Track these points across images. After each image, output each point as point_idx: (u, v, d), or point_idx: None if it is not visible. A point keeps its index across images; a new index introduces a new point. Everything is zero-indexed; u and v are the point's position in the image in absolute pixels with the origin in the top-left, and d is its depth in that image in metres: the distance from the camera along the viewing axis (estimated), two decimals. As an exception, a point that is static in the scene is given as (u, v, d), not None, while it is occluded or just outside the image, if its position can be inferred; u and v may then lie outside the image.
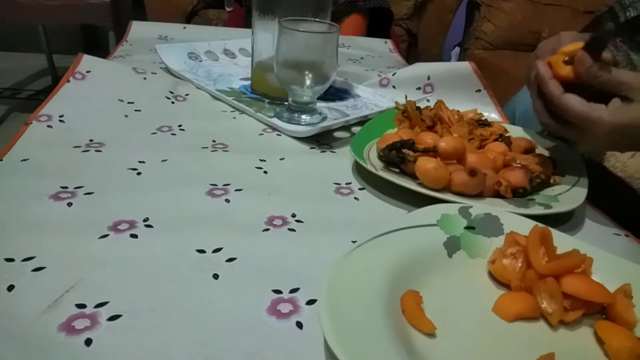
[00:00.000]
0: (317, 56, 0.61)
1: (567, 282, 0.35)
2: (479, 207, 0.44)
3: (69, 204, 0.44)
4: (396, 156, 0.51)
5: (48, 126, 0.57)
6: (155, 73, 0.76)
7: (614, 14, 0.65)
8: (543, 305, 0.35)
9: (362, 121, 0.66)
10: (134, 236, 0.40)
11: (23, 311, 0.32)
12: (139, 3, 1.83)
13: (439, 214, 0.43)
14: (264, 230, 0.43)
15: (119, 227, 0.41)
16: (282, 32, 0.60)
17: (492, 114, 0.73)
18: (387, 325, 0.31)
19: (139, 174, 0.50)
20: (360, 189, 0.52)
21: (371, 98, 0.77)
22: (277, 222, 0.44)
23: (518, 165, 0.53)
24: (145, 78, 0.72)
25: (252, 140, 0.61)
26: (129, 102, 0.66)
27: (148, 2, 1.82)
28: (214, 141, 0.59)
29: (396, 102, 0.68)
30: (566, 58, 0.47)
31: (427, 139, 0.55)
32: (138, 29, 1.03)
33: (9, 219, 0.41)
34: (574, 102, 0.46)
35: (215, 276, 0.37)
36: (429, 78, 0.78)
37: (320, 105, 0.70)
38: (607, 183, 0.53)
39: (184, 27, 1.10)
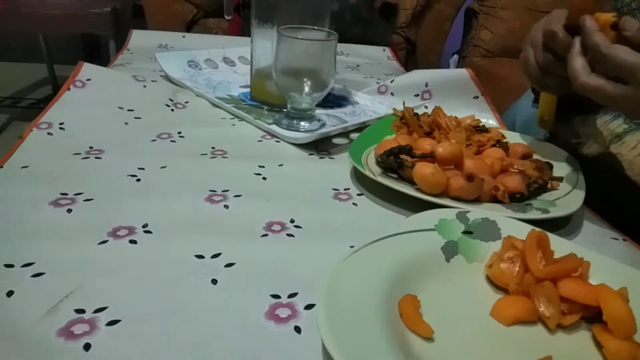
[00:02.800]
0: (316, 63, 0.62)
1: (565, 286, 0.35)
2: (476, 212, 0.44)
3: (69, 210, 0.44)
4: (394, 162, 0.51)
5: (48, 133, 0.58)
6: (155, 81, 0.76)
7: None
8: (541, 309, 0.35)
9: (361, 128, 0.66)
10: (133, 242, 0.41)
11: (22, 316, 0.32)
12: (140, 12, 1.85)
13: (437, 219, 0.43)
14: (262, 236, 0.43)
15: (118, 233, 0.42)
16: (281, 40, 0.60)
17: (489, 120, 0.74)
18: (385, 330, 0.31)
19: (138, 180, 0.51)
20: (358, 194, 0.52)
21: (369, 105, 0.77)
22: (276, 227, 0.45)
23: (515, 170, 0.53)
24: (145, 86, 0.73)
25: (251, 146, 0.61)
26: (128, 110, 0.67)
27: (148, 12, 1.83)
28: (213, 148, 0.59)
29: (394, 109, 0.68)
30: (614, 18, 0.45)
31: (424, 144, 0.55)
32: (138, 38, 1.04)
33: (8, 225, 0.41)
34: (625, 52, 0.43)
35: (214, 281, 0.37)
36: (426, 85, 0.78)
37: (319, 112, 0.70)
38: (612, 182, 0.53)
39: (184, 36, 1.11)
